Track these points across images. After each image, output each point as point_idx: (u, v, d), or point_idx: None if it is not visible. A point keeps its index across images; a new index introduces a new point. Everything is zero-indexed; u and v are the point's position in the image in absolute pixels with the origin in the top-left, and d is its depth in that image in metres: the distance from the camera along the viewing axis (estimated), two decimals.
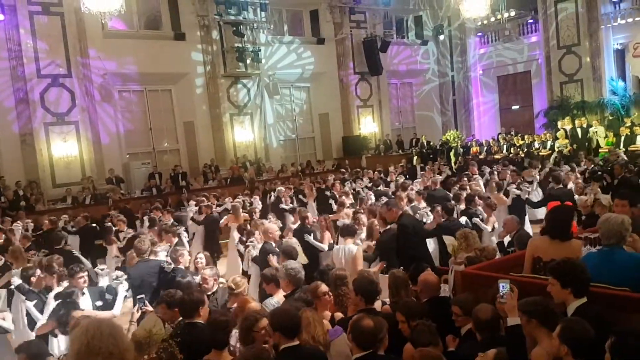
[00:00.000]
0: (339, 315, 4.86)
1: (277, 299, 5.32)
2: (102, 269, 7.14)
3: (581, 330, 3.08)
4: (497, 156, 19.94)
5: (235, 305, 5.24)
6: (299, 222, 9.10)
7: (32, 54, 16.51)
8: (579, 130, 19.36)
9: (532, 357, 3.34)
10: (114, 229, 10.92)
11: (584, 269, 3.69)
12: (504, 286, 3.70)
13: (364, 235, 8.19)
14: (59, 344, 5.77)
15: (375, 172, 17.55)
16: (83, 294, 6.15)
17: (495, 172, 13.67)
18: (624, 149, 17.20)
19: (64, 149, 17.08)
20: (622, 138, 17.72)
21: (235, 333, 4.36)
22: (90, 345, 2.25)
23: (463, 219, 8.78)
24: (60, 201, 16.22)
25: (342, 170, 19.96)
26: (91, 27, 17.18)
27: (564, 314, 3.51)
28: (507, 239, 7.33)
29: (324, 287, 4.98)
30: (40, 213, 14.46)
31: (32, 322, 6.32)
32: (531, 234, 7.97)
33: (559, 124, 20.45)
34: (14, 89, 16.52)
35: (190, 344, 4.28)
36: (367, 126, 24.44)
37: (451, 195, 10.85)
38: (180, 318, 4.91)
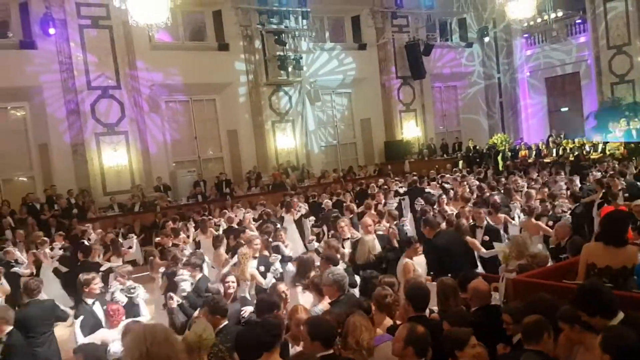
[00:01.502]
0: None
1: (322, 306, 5.28)
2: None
3: (623, 339, 2.98)
4: (546, 160, 19.44)
5: (286, 312, 5.23)
6: None
7: (82, 66, 17.00)
8: (633, 133, 18.68)
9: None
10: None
11: (603, 291, 3.54)
12: None
13: None
14: None
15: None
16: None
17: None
18: None
19: (115, 159, 17.53)
20: None
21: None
22: (150, 352, 2.26)
23: None
24: (109, 209, 16.66)
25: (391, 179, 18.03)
26: (138, 39, 17.64)
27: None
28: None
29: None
30: (91, 220, 14.91)
31: None
32: None
33: (610, 126, 19.79)
34: (65, 101, 17.04)
35: (239, 347, 4.26)
36: (410, 131, 24.21)
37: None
38: (224, 324, 4.88)
